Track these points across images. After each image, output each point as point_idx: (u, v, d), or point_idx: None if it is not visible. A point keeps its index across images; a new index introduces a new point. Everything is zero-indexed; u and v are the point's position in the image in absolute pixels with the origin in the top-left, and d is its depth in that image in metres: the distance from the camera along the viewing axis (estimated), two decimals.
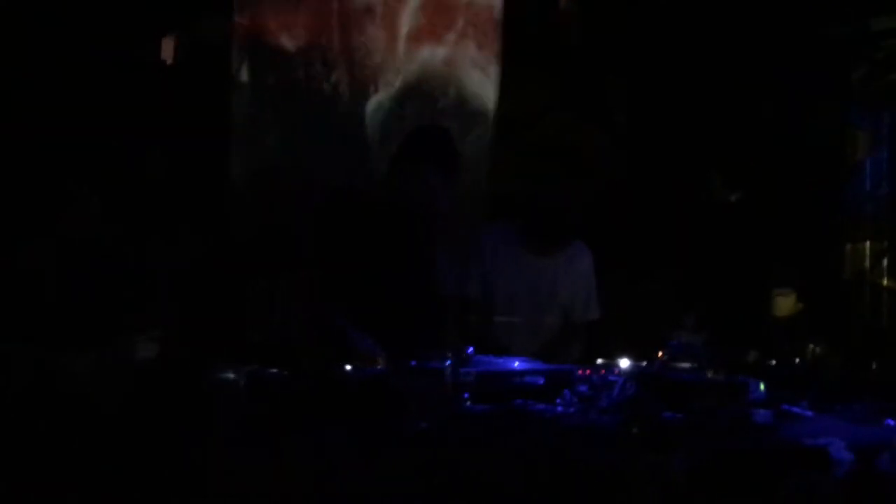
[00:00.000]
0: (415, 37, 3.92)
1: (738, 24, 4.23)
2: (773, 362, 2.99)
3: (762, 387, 2.79)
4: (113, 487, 2.10)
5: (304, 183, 3.72)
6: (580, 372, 2.80)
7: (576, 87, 4.24)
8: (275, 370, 2.47)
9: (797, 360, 3.02)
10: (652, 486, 2.05)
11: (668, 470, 2.09)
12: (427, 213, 3.23)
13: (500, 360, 2.87)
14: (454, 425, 2.48)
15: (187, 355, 2.54)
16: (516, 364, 2.86)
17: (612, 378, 2.77)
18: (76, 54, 3.56)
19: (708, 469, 2.16)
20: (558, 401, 2.69)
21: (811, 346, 3.05)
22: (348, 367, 2.59)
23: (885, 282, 4.11)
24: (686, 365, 2.90)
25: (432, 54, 3.95)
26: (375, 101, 3.87)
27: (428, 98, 3.89)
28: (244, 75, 3.77)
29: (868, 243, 4.08)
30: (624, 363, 2.82)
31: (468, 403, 2.61)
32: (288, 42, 3.81)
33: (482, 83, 3.99)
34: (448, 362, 2.67)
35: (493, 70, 4.02)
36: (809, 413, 2.69)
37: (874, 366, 3.12)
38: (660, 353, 2.93)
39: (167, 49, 3.83)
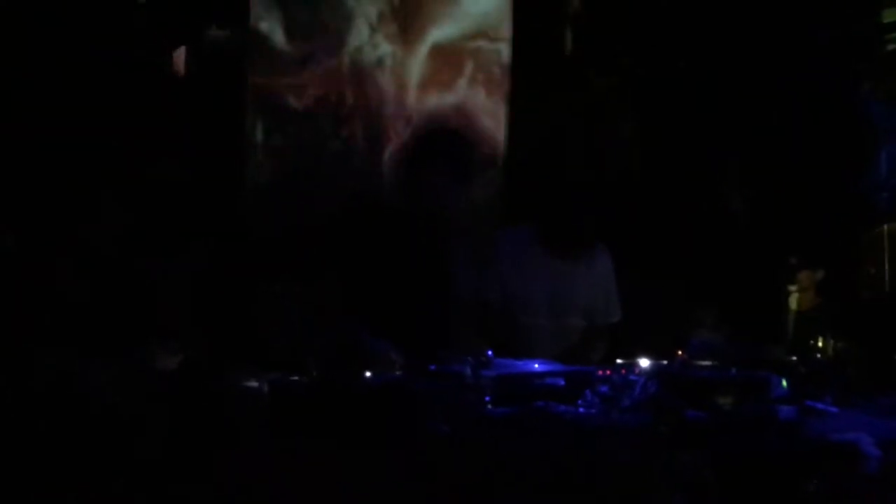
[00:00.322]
0: (425, 86, 3.92)
1: (748, 19, 4.22)
2: (795, 358, 2.96)
3: (784, 383, 2.76)
4: (135, 493, 2.09)
5: (320, 190, 3.74)
6: (600, 372, 2.78)
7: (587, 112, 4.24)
8: (296, 377, 2.46)
9: (818, 354, 2.99)
10: (681, 485, 2.04)
11: (698, 469, 2.07)
12: (440, 214, 3.21)
13: (520, 363, 2.85)
14: (476, 429, 2.46)
15: (209, 363, 2.54)
16: (536, 366, 2.84)
17: (632, 378, 2.74)
18: (97, 67, 3.57)
19: (737, 468, 2.14)
20: (579, 402, 2.68)
21: (832, 340, 3.02)
22: (368, 373, 2.57)
23: None
24: (707, 362, 2.87)
25: (442, 102, 3.95)
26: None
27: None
28: (258, 134, 3.77)
29: (885, 233, 4.06)
30: (644, 362, 2.79)
31: (489, 406, 2.60)
32: (301, 100, 3.81)
33: (493, 127, 4.00)
34: (468, 365, 2.65)
35: (503, 112, 4.04)
36: (834, 409, 2.67)
37: None
38: (680, 352, 2.90)
39: (180, 59, 3.84)
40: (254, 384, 2.30)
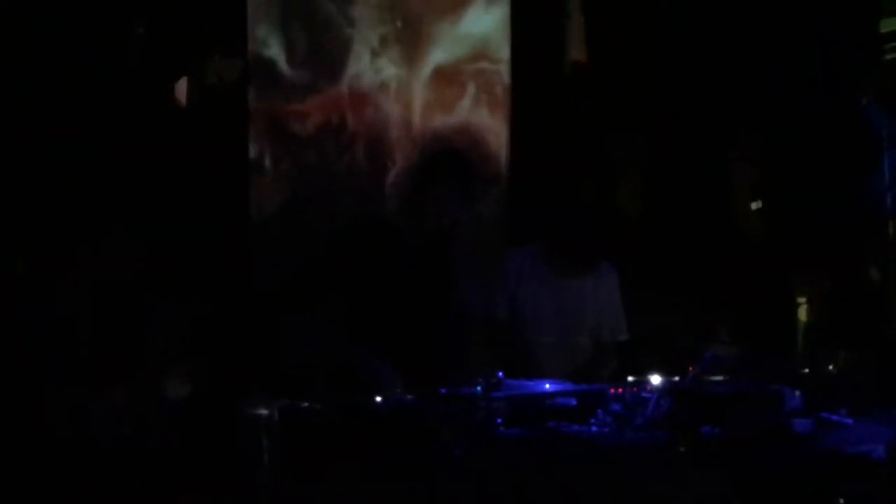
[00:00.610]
0: (428, 108, 3.93)
1: (750, 29, 4.22)
2: (808, 369, 2.93)
3: (798, 395, 2.74)
4: None
5: (325, 214, 3.73)
6: (612, 390, 2.76)
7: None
8: (306, 403, 2.44)
9: (831, 365, 2.96)
10: None
11: (718, 488, 2.04)
12: (446, 234, 3.20)
13: (531, 383, 2.83)
14: (488, 451, 2.44)
15: (219, 392, 2.52)
16: (547, 386, 2.82)
17: (644, 395, 2.72)
18: (101, 99, 3.58)
19: (755, 484, 2.12)
20: (592, 421, 2.65)
21: (844, 351, 3.00)
22: (379, 398, 2.55)
23: None
24: (719, 377, 2.85)
25: (445, 123, 3.97)
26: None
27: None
28: (262, 161, 3.78)
29: (892, 240, 4.04)
30: (655, 379, 2.77)
31: (501, 428, 2.58)
32: (304, 126, 3.83)
33: (496, 146, 3.99)
34: (479, 388, 2.63)
35: (505, 132, 4.04)
36: (849, 420, 2.64)
37: None
38: (691, 367, 2.88)
39: (181, 90, 3.84)
40: (264, 411, 2.28)
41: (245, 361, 2.76)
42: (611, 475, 2.22)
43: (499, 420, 2.59)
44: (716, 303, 3.86)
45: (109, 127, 3.54)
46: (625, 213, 4.04)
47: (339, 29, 3.93)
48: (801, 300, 3.72)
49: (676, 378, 2.80)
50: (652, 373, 2.77)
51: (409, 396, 2.64)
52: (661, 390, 2.70)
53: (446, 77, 4.03)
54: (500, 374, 2.74)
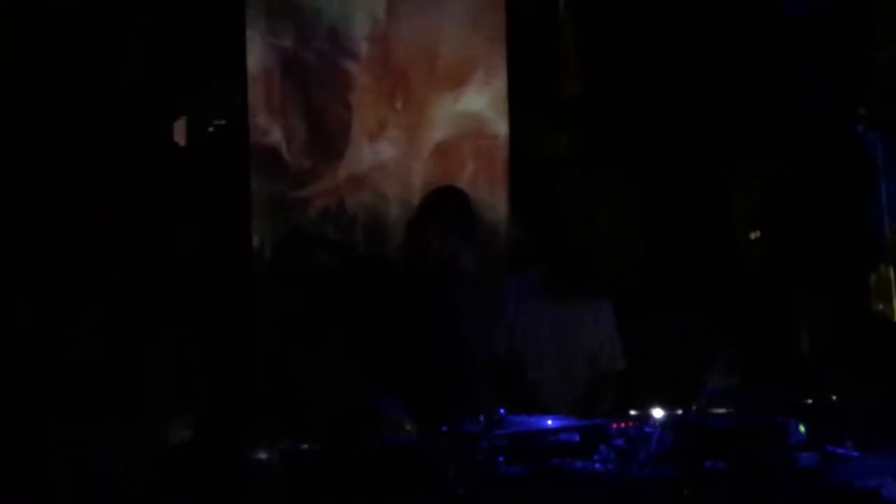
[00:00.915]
0: (428, 185, 3.93)
1: (746, 56, 4.25)
2: (812, 401, 2.91)
3: (802, 428, 2.71)
4: None
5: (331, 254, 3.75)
6: (615, 426, 2.73)
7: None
8: (306, 445, 2.42)
9: (834, 397, 2.94)
10: None
11: None
12: (449, 273, 3.19)
13: (533, 420, 2.80)
14: (491, 489, 2.41)
15: (220, 435, 2.50)
16: (549, 422, 2.79)
17: (648, 430, 2.70)
18: (102, 133, 3.59)
19: None
20: (596, 457, 2.63)
21: (849, 382, 2.98)
22: (380, 437, 2.53)
23: None
24: (722, 410, 2.83)
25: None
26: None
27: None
28: (266, 251, 3.79)
29: (892, 268, 4.04)
30: (658, 413, 2.75)
31: (504, 466, 2.55)
32: (305, 212, 3.84)
33: (493, 215, 3.98)
34: (481, 425, 2.61)
35: (504, 197, 4.06)
36: (855, 453, 2.61)
37: None
38: (694, 400, 2.86)
39: (181, 124, 3.85)
40: (264, 455, 2.26)
41: (246, 404, 2.73)
42: None
43: (501, 458, 2.57)
44: (717, 334, 3.85)
45: (109, 165, 3.54)
46: (624, 243, 4.04)
47: (339, 116, 3.95)
48: (804, 330, 3.70)
49: (679, 412, 2.78)
50: (654, 406, 2.75)
51: (410, 435, 2.61)
52: (664, 425, 2.68)
53: (445, 152, 4.04)
54: (502, 410, 2.72)
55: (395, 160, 4.01)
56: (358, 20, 3.99)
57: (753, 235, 4.29)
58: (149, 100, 3.81)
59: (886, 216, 4.15)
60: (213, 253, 3.63)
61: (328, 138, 3.96)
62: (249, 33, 3.88)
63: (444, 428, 2.62)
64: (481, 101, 4.10)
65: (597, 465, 2.58)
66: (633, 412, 2.78)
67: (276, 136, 3.89)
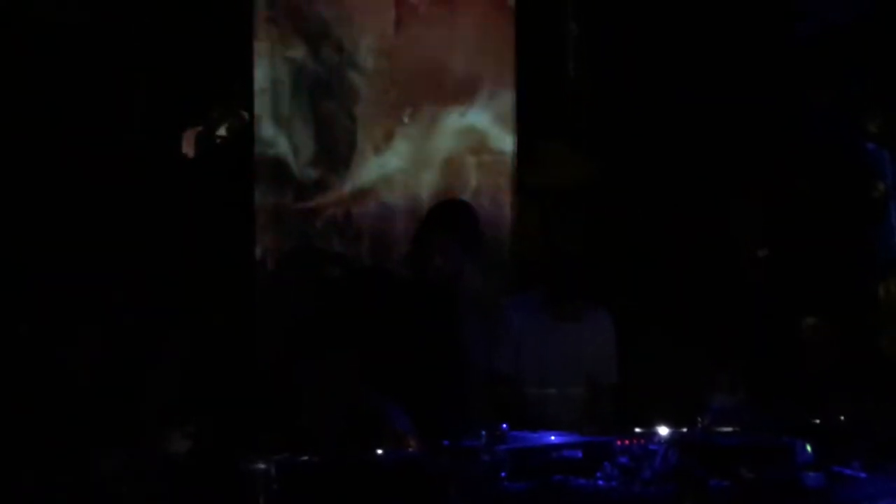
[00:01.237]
0: (434, 198, 3.92)
1: (758, 76, 4.24)
2: (819, 421, 2.88)
3: (809, 448, 2.68)
4: None
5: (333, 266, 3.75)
6: (619, 442, 2.70)
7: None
8: (306, 458, 2.39)
9: (842, 416, 2.90)
10: None
11: None
12: (453, 288, 3.17)
13: (535, 435, 2.77)
14: None
15: (217, 446, 2.47)
16: (552, 438, 2.76)
17: (652, 447, 2.67)
18: (102, 144, 3.59)
19: None
20: (599, 474, 2.59)
21: (856, 401, 2.94)
22: (380, 451, 2.50)
23: None
24: (728, 429, 2.79)
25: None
26: None
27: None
28: (270, 262, 3.80)
29: None
30: (663, 430, 2.72)
31: (506, 482, 2.52)
32: (312, 224, 3.86)
33: (496, 231, 3.99)
34: (482, 440, 2.58)
35: (508, 213, 4.06)
36: (862, 474, 2.58)
37: None
38: (699, 418, 2.83)
39: (189, 142, 3.86)
40: (261, 466, 2.23)
41: (244, 415, 2.72)
42: None
43: (503, 473, 2.54)
44: (723, 352, 3.82)
45: (114, 183, 3.55)
46: (628, 261, 4.02)
47: (346, 129, 3.96)
48: (812, 349, 3.67)
49: (684, 429, 2.75)
50: (659, 424, 2.72)
51: (412, 449, 2.59)
52: (669, 442, 2.65)
53: (452, 167, 4.04)
54: (505, 425, 2.69)
55: (400, 173, 4.01)
56: (366, 34, 4.00)
57: (761, 253, 4.27)
58: (156, 111, 3.82)
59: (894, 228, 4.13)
60: (217, 262, 3.62)
61: (335, 150, 3.97)
62: (257, 45, 3.89)
63: (446, 442, 2.60)
64: (488, 117, 4.11)
65: (600, 482, 2.55)
66: (637, 429, 2.75)
67: (282, 147, 3.90)
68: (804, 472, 2.57)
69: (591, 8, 4.41)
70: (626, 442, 2.70)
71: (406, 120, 4.02)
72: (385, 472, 2.44)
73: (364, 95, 3.99)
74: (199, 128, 3.86)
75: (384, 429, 2.65)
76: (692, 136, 4.26)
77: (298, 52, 3.94)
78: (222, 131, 3.89)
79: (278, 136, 3.90)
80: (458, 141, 4.08)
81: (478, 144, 4.10)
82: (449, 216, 3.25)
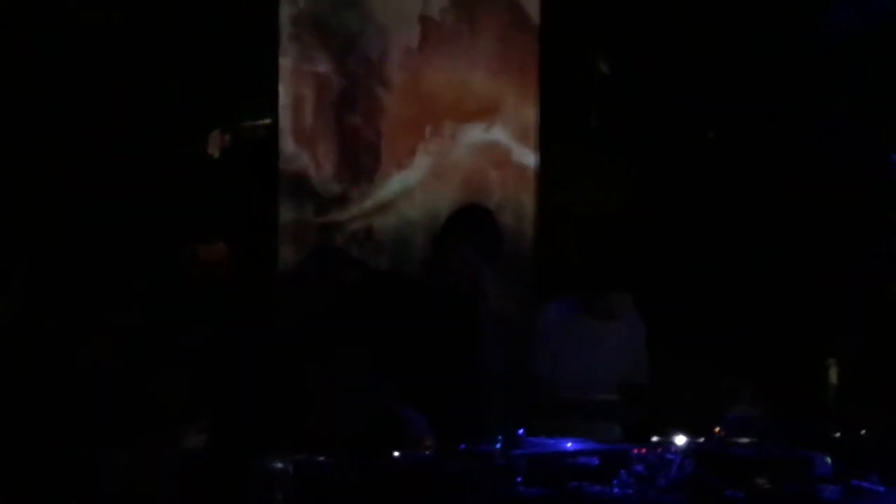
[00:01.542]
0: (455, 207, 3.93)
1: (775, 88, 4.25)
2: (838, 434, 2.86)
3: (828, 461, 2.66)
4: None
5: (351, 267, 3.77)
6: (636, 450, 2.70)
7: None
8: (322, 458, 2.41)
9: (863, 430, 2.88)
10: None
11: None
12: (471, 291, 3.19)
13: (552, 441, 2.78)
14: None
15: (235, 445, 2.50)
16: (569, 445, 2.77)
17: (669, 456, 2.66)
18: (129, 151, 3.66)
19: None
20: (615, 482, 2.60)
21: (876, 414, 2.92)
22: (397, 453, 2.52)
23: None
24: (745, 440, 2.79)
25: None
26: None
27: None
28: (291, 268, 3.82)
29: None
30: (680, 440, 2.71)
31: (521, 487, 2.53)
32: (333, 232, 3.88)
33: (519, 244, 4.01)
34: (498, 445, 2.59)
35: (530, 227, 4.07)
36: (881, 488, 2.56)
37: None
38: (717, 429, 2.82)
39: (214, 144, 3.91)
40: (278, 465, 2.26)
41: (261, 414, 2.74)
42: None
43: (518, 478, 2.55)
44: (742, 363, 3.81)
45: (138, 176, 3.60)
46: (650, 271, 4.02)
47: (370, 145, 3.99)
48: (831, 361, 3.64)
49: (701, 439, 2.74)
50: (676, 433, 2.72)
51: (428, 452, 2.60)
52: (686, 451, 2.65)
53: (474, 181, 4.07)
54: (521, 431, 2.70)
55: (423, 187, 4.05)
56: (391, 48, 4.05)
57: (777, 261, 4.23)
58: (183, 123, 3.89)
59: None
60: (237, 265, 3.66)
61: (358, 164, 4.01)
62: (282, 61, 3.95)
63: (462, 446, 2.61)
64: (511, 132, 4.13)
65: (615, 490, 2.55)
66: (654, 438, 2.75)
67: (306, 161, 3.94)
68: (822, 484, 2.56)
69: (616, 27, 4.44)
70: (643, 450, 2.70)
71: (428, 134, 4.06)
72: (401, 473, 2.46)
73: (389, 110, 4.04)
74: (225, 135, 3.91)
75: (401, 431, 2.66)
76: (714, 147, 4.27)
77: (323, 65, 3.99)
78: (247, 144, 3.95)
79: (302, 151, 3.95)
80: (481, 156, 4.11)
81: (501, 159, 4.13)
82: (468, 220, 3.27)
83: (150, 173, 3.66)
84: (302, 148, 3.93)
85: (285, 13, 3.92)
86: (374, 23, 4.03)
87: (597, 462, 2.65)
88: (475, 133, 4.13)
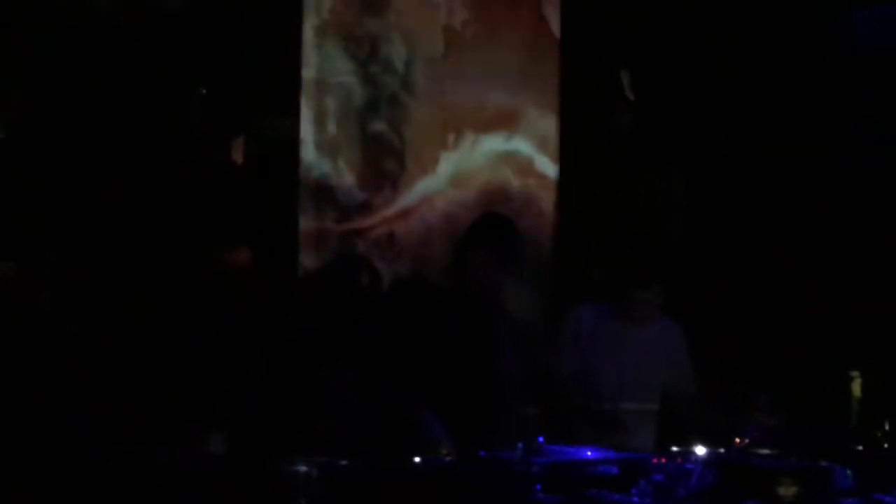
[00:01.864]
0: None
1: (796, 99, 4.24)
2: (860, 446, 2.84)
3: (850, 473, 2.65)
4: None
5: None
6: (655, 460, 2.70)
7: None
8: (346, 462, 2.43)
9: (886, 443, 2.86)
10: None
11: None
12: (491, 298, 3.20)
13: (572, 450, 2.78)
14: None
15: (256, 448, 2.52)
16: (589, 453, 2.77)
17: (689, 466, 2.66)
18: (152, 156, 3.69)
19: None
20: (634, 491, 2.59)
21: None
22: (417, 459, 2.53)
23: None
24: (766, 451, 2.77)
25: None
26: None
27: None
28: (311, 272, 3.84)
29: None
30: (700, 450, 2.71)
31: (540, 494, 2.53)
32: (354, 239, 3.90)
33: (539, 254, 4.02)
34: (519, 452, 2.60)
35: (550, 237, 4.08)
36: None
37: None
38: (738, 439, 2.81)
39: (237, 150, 3.95)
40: (303, 468, 2.27)
41: (286, 418, 2.76)
42: None
43: (538, 486, 2.55)
44: (764, 372, 3.79)
45: (162, 183, 3.63)
46: (669, 281, 4.02)
47: (395, 150, 4.02)
48: (854, 373, 3.62)
49: (722, 450, 2.73)
50: (696, 444, 2.71)
51: (448, 458, 2.61)
52: (706, 462, 2.64)
53: (495, 191, 4.08)
54: (541, 438, 2.71)
55: (444, 195, 4.07)
56: (416, 57, 4.08)
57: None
58: (206, 133, 3.92)
59: None
60: (258, 268, 3.69)
61: (383, 171, 4.03)
62: (305, 71, 3.98)
63: (482, 453, 2.61)
64: (532, 142, 4.15)
65: (634, 499, 2.55)
66: (674, 448, 2.74)
67: (328, 170, 3.97)
68: (843, 497, 2.55)
69: (637, 39, 4.45)
70: (663, 460, 2.69)
71: (450, 143, 4.09)
72: (420, 479, 2.46)
73: (413, 117, 4.07)
74: (248, 148, 3.95)
75: (421, 436, 2.67)
76: (735, 157, 4.27)
77: (348, 74, 4.02)
78: (270, 153, 3.98)
79: (322, 160, 3.97)
80: (502, 165, 4.14)
81: (522, 169, 4.15)
82: (489, 229, 3.28)
83: (174, 179, 3.70)
84: (324, 157, 3.97)
85: (309, 23, 3.96)
86: (400, 29, 4.06)
87: (616, 471, 2.65)
88: (497, 142, 4.15)
